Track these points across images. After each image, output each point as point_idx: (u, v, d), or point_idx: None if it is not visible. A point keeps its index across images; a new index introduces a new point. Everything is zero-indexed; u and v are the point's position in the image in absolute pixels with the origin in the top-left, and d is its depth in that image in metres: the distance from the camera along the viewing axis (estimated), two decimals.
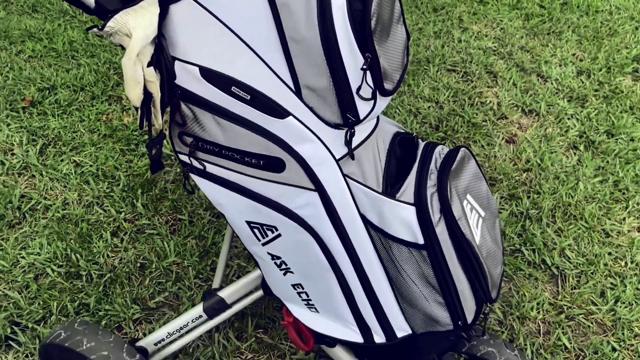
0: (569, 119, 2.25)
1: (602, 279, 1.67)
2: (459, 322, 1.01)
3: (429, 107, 2.27)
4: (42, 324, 1.48)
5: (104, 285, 1.56)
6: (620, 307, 1.60)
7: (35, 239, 1.68)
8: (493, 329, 1.52)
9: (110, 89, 2.24)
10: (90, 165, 1.92)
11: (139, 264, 1.63)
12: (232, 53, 0.85)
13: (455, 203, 0.93)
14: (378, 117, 1.02)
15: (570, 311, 1.58)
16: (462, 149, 0.99)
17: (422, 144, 1.01)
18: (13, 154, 1.96)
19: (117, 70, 2.34)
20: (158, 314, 1.52)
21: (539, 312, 1.58)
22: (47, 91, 2.22)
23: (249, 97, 0.87)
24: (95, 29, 0.83)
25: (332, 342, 1.24)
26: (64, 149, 1.98)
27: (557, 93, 2.39)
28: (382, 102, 0.89)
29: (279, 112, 0.87)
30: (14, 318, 1.48)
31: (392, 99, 2.28)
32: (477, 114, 2.25)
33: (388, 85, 0.87)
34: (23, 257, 1.63)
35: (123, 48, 0.85)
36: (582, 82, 2.45)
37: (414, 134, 1.05)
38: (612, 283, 1.66)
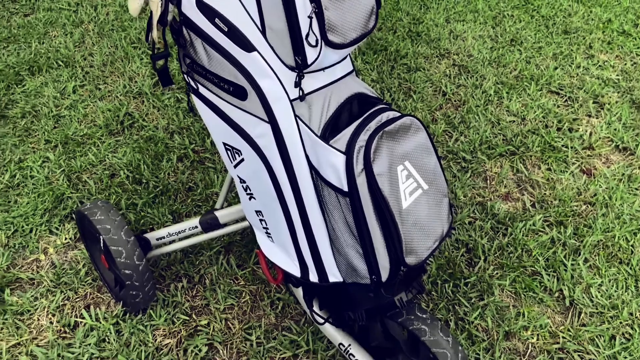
0: None
1: (620, 327, 1.54)
2: (373, 277, 1.08)
3: (512, 121, 2.22)
4: None
5: (154, 195, 1.85)
6: (626, 358, 1.47)
7: (122, 147, 2.04)
8: (475, 334, 1.51)
9: None
10: (188, 103, 2.24)
11: (187, 186, 1.89)
12: None
13: (381, 161, 1.01)
14: (347, 75, 1.12)
15: (567, 344, 1.50)
16: (409, 117, 1.06)
17: (379, 106, 1.09)
18: (135, 82, 2.37)
19: None
20: None
21: (531, 335, 1.52)
22: None
23: (227, 29, 1.04)
24: None
25: (296, 282, 1.36)
26: (174, 87, 2.34)
27: None
28: (331, 53, 1.01)
29: (247, 46, 1.03)
30: (83, 200, 1.84)
31: (476, 106, 2.27)
32: (560, 139, 2.15)
33: (334, 38, 0.98)
34: (108, 158, 2.00)
35: None
36: None
37: (384, 100, 1.13)
38: (628, 333, 1.53)
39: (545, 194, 1.93)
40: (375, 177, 1.00)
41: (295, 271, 1.22)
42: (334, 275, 1.17)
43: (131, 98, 2.28)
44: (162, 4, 1.07)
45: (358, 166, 1.01)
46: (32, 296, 1.55)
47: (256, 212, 1.24)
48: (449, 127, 2.19)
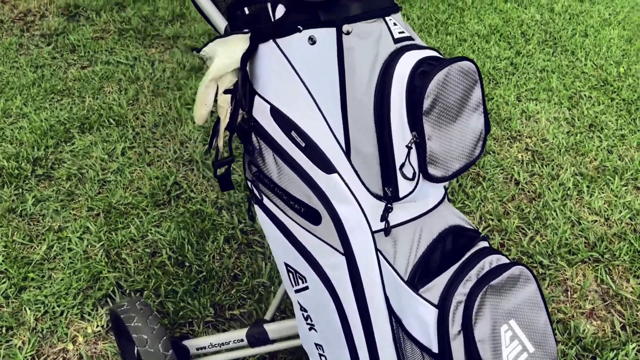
0: None
1: None
2: None
3: (594, 221, 1.99)
4: (137, 294, 1.66)
5: (197, 281, 1.69)
6: None
7: (167, 222, 1.90)
8: None
9: None
10: (239, 176, 2.11)
11: (233, 274, 1.73)
12: (298, 100, 0.88)
13: (483, 322, 0.81)
14: (440, 204, 0.94)
15: None
16: (519, 266, 0.86)
17: (478, 246, 0.91)
18: (186, 147, 2.26)
19: None
20: (228, 324, 1.59)
21: None
22: None
23: (304, 144, 0.89)
24: (195, 52, 0.94)
25: None
26: (226, 155, 2.21)
27: None
28: (429, 186, 0.83)
29: (327, 166, 0.87)
30: (120, 281, 1.70)
31: (553, 200, 2.06)
32: None
33: (435, 171, 0.80)
34: (151, 233, 1.86)
35: None
36: None
37: (482, 234, 0.94)
38: None
39: (637, 315, 1.68)
40: (477, 344, 0.80)
41: None
42: None
43: (180, 165, 2.16)
44: (231, 110, 0.93)
45: (454, 327, 0.82)
46: None
47: (316, 345, 1.06)
48: (522, 222, 1.97)
